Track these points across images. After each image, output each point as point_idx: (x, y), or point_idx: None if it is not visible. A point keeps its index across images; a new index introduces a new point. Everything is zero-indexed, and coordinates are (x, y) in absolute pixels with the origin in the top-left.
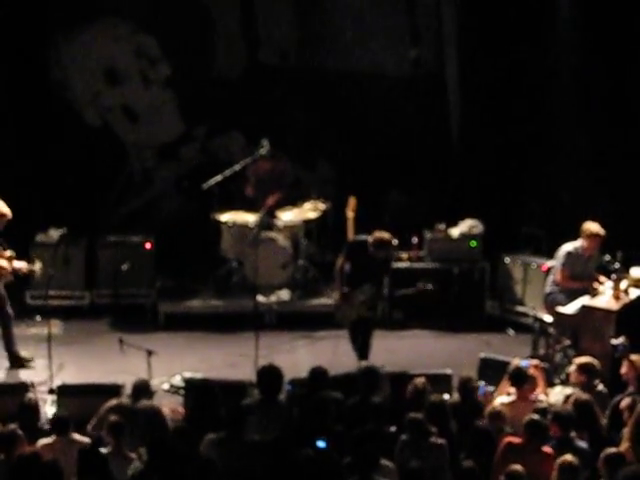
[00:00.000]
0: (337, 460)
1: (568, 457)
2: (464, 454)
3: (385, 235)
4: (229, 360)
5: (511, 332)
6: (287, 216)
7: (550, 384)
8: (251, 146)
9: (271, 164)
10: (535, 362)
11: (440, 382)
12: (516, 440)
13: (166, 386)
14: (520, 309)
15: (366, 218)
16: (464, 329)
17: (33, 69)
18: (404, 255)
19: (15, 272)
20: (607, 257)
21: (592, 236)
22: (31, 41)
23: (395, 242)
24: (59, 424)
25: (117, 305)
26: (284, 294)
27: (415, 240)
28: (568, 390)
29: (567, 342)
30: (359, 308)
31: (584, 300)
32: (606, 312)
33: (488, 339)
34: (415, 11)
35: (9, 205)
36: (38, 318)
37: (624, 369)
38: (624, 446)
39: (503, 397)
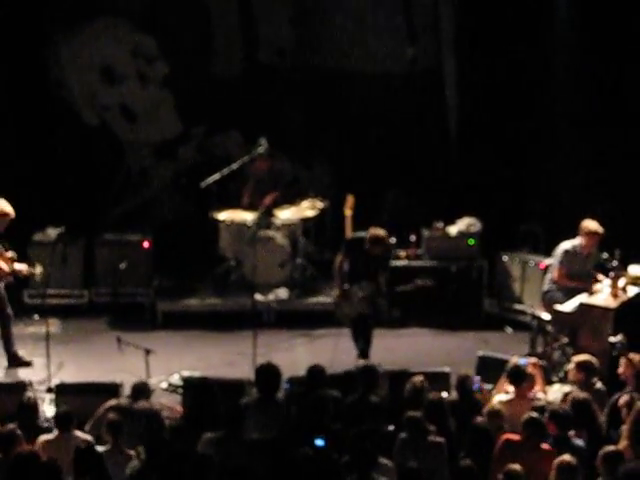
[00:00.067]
0: (335, 459)
1: (567, 457)
2: (463, 453)
3: (380, 232)
4: (227, 359)
5: (509, 330)
6: (285, 215)
7: (548, 382)
8: (249, 145)
9: (269, 163)
10: (533, 360)
11: (438, 380)
12: (514, 437)
13: (164, 385)
14: (518, 307)
15: (364, 216)
16: (462, 327)
17: (32, 68)
18: (402, 253)
19: (15, 274)
20: (605, 255)
21: (590, 234)
22: (30, 40)
23: (393, 240)
24: (63, 420)
25: (115, 304)
26: (282, 292)
27: (413, 238)
28: (566, 388)
29: (565, 340)
30: (359, 305)
31: (582, 298)
32: (604, 310)
33: (486, 337)
34: (412, 10)
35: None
36: (36, 317)
37: (622, 367)
38: (622, 444)
39: (501, 395)
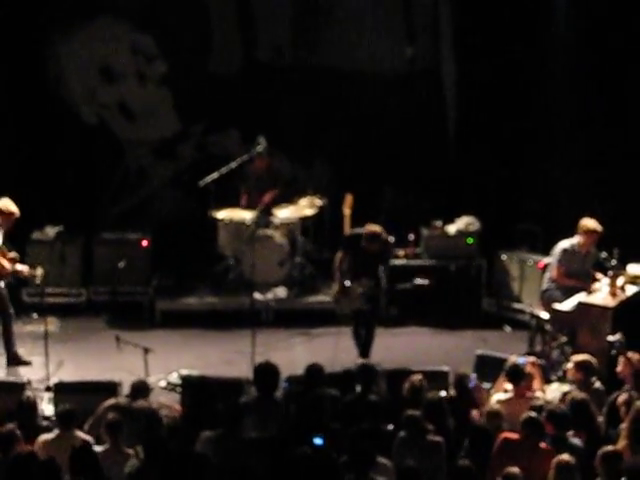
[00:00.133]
0: (334, 457)
1: (565, 456)
2: (462, 452)
3: (376, 228)
4: (226, 357)
5: (508, 329)
6: (284, 213)
7: (547, 381)
8: (248, 144)
9: (267, 161)
10: (532, 359)
11: (437, 379)
12: (513, 436)
13: (163, 383)
14: (517, 306)
15: (363, 215)
16: (461, 326)
17: (31, 67)
18: (401, 252)
19: (16, 274)
20: (604, 254)
21: (589, 232)
22: (29, 39)
23: (391, 239)
24: (65, 418)
25: (114, 302)
26: (281, 291)
27: (412, 237)
28: (565, 387)
29: (564, 339)
30: (358, 301)
31: (581, 297)
32: (603, 309)
33: (485, 336)
34: (411, 10)
35: None
36: (35, 315)
37: (620, 366)
38: (621, 443)
39: (500, 394)
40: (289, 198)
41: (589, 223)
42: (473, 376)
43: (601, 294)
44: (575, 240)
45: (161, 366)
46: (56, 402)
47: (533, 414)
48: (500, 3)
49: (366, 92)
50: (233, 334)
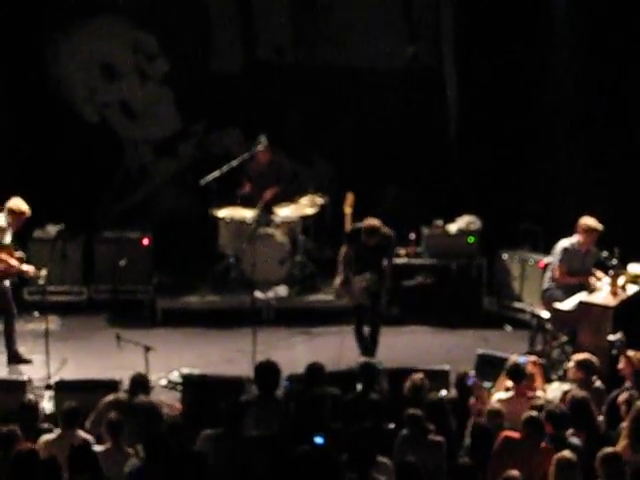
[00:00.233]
0: (335, 456)
1: (566, 453)
2: (462, 452)
3: (375, 222)
4: (227, 356)
5: (508, 328)
6: (284, 212)
7: (548, 380)
8: (249, 142)
9: (268, 156)
10: (533, 358)
11: (438, 378)
12: (514, 435)
13: (164, 382)
14: (517, 305)
15: (364, 214)
16: (461, 325)
17: (31, 66)
18: (402, 251)
19: (21, 273)
20: (605, 253)
21: (588, 231)
22: (29, 38)
23: (392, 232)
24: (69, 416)
25: (115, 301)
26: (282, 290)
27: (413, 236)
28: (566, 386)
29: (564, 338)
30: (360, 295)
31: (581, 296)
32: (603, 308)
33: (485, 335)
34: (413, 8)
35: (5, 200)
36: (36, 314)
37: (621, 365)
38: (622, 443)
39: (501, 393)
40: (290, 196)
41: (589, 221)
42: (472, 373)
43: (602, 293)
44: (575, 239)
45: (162, 364)
46: (57, 400)
47: (534, 413)
48: (501, 3)
49: (367, 91)
50: (234, 333)
